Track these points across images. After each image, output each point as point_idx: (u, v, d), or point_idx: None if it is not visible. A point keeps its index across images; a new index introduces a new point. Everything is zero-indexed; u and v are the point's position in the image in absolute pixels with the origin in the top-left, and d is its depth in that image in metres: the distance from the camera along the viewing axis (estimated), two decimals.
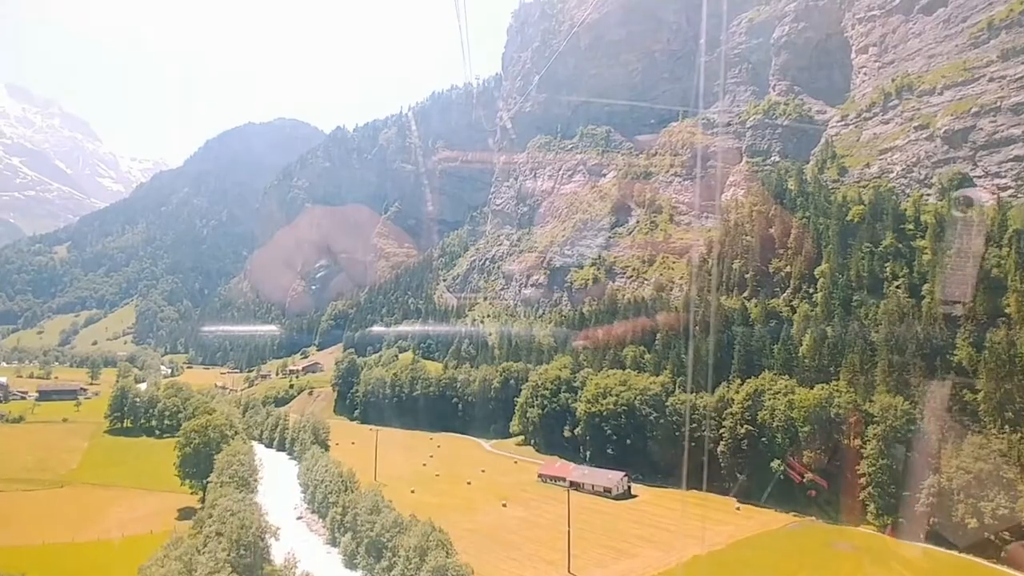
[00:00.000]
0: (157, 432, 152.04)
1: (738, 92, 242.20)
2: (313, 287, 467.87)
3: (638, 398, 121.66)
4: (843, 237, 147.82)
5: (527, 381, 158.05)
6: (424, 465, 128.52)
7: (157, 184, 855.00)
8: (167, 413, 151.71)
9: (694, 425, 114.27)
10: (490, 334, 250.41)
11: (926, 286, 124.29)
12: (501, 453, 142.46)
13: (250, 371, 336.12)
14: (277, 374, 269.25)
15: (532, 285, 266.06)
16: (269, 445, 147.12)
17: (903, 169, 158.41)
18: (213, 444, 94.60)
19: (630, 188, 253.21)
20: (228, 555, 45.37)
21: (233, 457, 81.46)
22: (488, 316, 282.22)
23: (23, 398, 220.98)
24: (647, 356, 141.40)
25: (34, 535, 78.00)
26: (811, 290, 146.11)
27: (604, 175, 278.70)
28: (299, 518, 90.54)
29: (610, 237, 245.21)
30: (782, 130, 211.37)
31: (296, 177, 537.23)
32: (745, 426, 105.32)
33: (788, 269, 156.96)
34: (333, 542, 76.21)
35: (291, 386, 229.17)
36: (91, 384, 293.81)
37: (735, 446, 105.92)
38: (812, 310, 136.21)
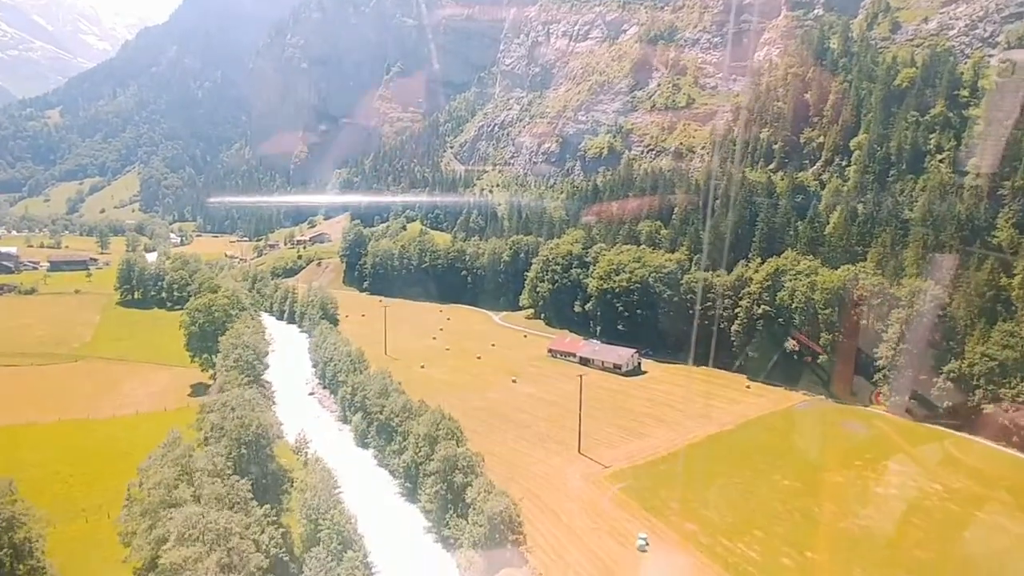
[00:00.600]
0: (168, 304, 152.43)
1: None
2: (316, 153, 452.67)
3: (652, 275, 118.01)
4: (887, 104, 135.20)
5: (537, 255, 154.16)
6: (434, 339, 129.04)
7: (143, 42, 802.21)
8: (175, 286, 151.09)
9: (708, 303, 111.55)
10: (499, 204, 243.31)
11: (972, 160, 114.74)
12: (511, 327, 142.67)
13: (259, 240, 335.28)
14: (285, 243, 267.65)
15: (543, 154, 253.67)
16: (280, 318, 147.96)
17: (967, 25, 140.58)
18: (218, 323, 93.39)
19: (652, 47, 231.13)
20: (230, 453, 44.23)
21: (238, 339, 79.94)
22: (497, 186, 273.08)
23: (35, 268, 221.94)
24: (663, 232, 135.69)
25: (51, 411, 79.17)
26: (844, 163, 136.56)
27: (624, 31, 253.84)
28: (311, 394, 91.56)
29: (628, 102, 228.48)
30: None
31: (289, 34, 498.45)
32: (762, 306, 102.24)
33: (821, 140, 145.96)
34: (344, 419, 76.69)
35: (299, 257, 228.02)
36: (101, 254, 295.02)
37: (750, 326, 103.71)
38: (843, 185, 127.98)
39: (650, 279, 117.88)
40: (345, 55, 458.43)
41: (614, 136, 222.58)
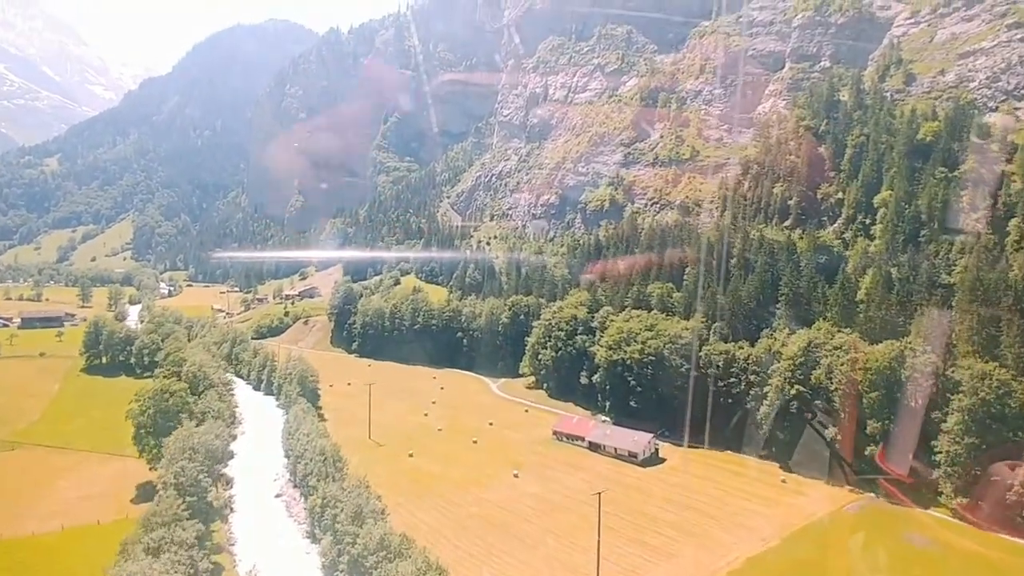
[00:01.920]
0: (137, 371, 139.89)
1: None
2: (312, 202, 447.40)
3: (667, 346, 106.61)
4: (911, 159, 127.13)
5: (539, 318, 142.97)
6: (425, 415, 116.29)
7: (147, 92, 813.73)
8: (145, 351, 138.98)
9: (731, 379, 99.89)
10: (497, 257, 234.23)
11: (1013, 220, 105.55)
12: (510, 398, 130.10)
13: (248, 291, 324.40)
14: (274, 298, 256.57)
15: (542, 206, 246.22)
16: (257, 387, 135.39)
17: (988, 77, 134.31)
18: (172, 414, 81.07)
19: (652, 99, 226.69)
20: None
21: (187, 442, 67.18)
22: (495, 238, 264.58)
23: (6, 325, 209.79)
24: (676, 295, 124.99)
25: None
26: (868, 221, 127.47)
27: (624, 82, 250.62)
28: (278, 495, 78.49)
29: (629, 154, 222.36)
30: (835, 30, 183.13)
31: (289, 84, 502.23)
32: (795, 386, 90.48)
33: (840, 196, 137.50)
34: (313, 536, 63.75)
35: (286, 313, 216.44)
36: (82, 307, 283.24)
37: (782, 408, 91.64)
38: (870, 245, 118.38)
39: (665, 350, 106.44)
40: (343, 105, 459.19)
41: (616, 189, 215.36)
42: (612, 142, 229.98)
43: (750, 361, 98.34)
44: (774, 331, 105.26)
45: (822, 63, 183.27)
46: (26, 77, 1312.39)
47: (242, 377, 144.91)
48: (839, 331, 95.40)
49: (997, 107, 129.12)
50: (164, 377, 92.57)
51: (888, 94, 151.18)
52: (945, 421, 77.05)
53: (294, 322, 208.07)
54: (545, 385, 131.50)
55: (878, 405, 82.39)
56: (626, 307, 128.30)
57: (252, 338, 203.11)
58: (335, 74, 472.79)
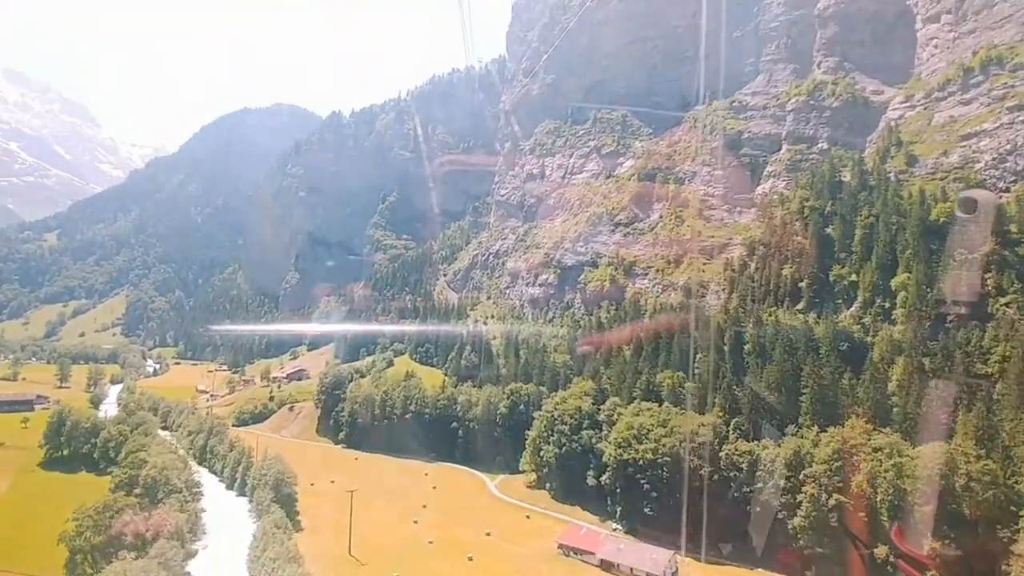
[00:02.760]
0: (101, 464, 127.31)
1: (775, 71, 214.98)
2: (308, 280, 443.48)
3: (683, 445, 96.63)
4: (926, 240, 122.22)
5: (540, 408, 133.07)
6: (415, 523, 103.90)
7: (152, 171, 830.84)
8: (111, 444, 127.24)
9: (758, 484, 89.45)
10: (495, 338, 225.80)
11: None
12: (510, 500, 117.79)
13: (235, 371, 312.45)
14: (261, 379, 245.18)
15: (540, 285, 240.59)
16: (230, 486, 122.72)
17: (994, 159, 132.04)
18: (114, 540, 69.69)
19: (651, 178, 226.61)
20: None
21: None
22: (492, 317, 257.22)
23: None
24: (688, 385, 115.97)
25: None
26: (887, 305, 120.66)
27: (621, 163, 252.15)
28: None
29: (628, 233, 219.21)
30: (831, 113, 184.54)
31: (291, 165, 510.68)
32: (833, 495, 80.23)
33: (854, 278, 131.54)
34: None
35: (271, 398, 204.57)
36: (59, 388, 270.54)
37: (820, 520, 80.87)
38: (891, 329, 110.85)
39: (680, 449, 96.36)
40: (343, 184, 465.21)
41: (616, 269, 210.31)
42: (611, 222, 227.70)
43: (777, 464, 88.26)
44: (800, 427, 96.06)
45: (819, 145, 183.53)
46: (38, 155, 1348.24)
47: (216, 474, 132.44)
48: (875, 430, 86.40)
49: (1008, 188, 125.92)
50: (117, 485, 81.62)
51: (892, 175, 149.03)
52: (1016, 541, 66.73)
53: (279, 408, 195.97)
54: (548, 485, 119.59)
55: (933, 519, 72.09)
56: (635, 398, 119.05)
57: (234, 425, 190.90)
58: (336, 155, 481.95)
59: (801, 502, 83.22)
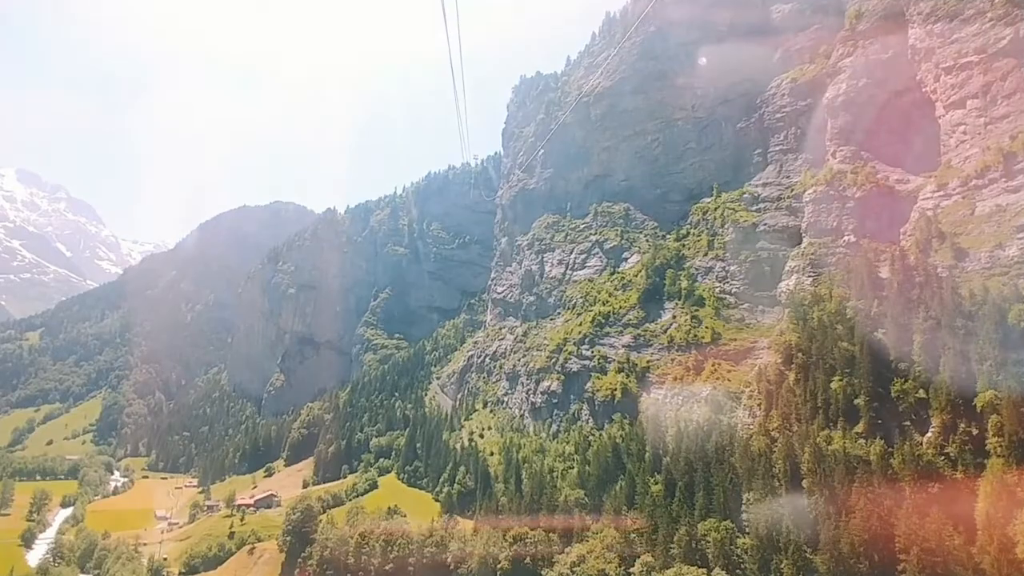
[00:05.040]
0: None
1: (786, 160, 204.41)
2: (293, 381, 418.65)
3: None
4: (1004, 349, 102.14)
5: (550, 563, 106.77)
6: None
7: (146, 267, 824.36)
8: None
9: None
10: (492, 454, 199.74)
11: None
12: None
13: (202, 491, 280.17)
14: (227, 505, 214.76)
15: (542, 393, 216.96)
16: None
17: None
18: None
19: (660, 275, 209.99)
20: None
21: None
22: (489, 429, 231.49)
23: None
24: (741, 542, 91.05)
25: None
26: (974, 430, 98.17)
27: (626, 259, 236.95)
28: None
29: (639, 335, 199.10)
30: (854, 204, 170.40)
31: (282, 261, 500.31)
32: None
33: (921, 394, 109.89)
34: None
35: (231, 535, 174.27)
36: None
37: None
38: (1003, 468, 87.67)
39: None
40: (333, 282, 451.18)
41: (627, 376, 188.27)
42: (618, 323, 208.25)
43: None
44: None
45: (846, 237, 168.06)
46: (37, 253, 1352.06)
47: None
48: None
49: None
50: None
51: (939, 271, 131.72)
52: None
53: (238, 548, 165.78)
54: None
55: None
56: (672, 556, 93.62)
57: (182, 573, 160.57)
58: (328, 251, 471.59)
59: None
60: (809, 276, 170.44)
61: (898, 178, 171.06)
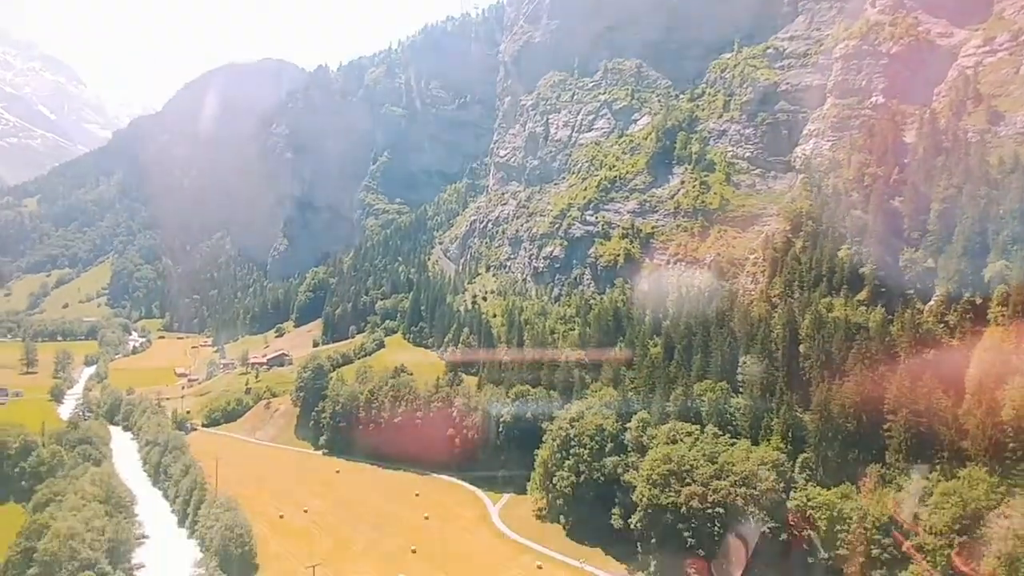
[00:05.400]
0: (36, 490, 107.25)
1: (818, 11, 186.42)
2: (296, 246, 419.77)
3: (740, 489, 75.87)
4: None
5: (550, 418, 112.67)
6: None
7: (135, 131, 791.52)
8: (43, 467, 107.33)
9: (840, 550, 69.08)
10: (494, 316, 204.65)
11: None
12: (516, 537, 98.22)
13: (217, 350, 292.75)
14: (241, 363, 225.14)
15: (545, 258, 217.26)
16: (182, 523, 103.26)
17: None
18: None
19: (671, 138, 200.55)
20: None
21: None
22: (492, 292, 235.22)
23: None
24: (735, 402, 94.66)
25: None
26: (977, 299, 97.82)
27: (635, 120, 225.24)
28: None
29: (645, 201, 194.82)
30: (888, 60, 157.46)
31: (275, 123, 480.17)
32: None
33: (930, 263, 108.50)
34: None
35: (247, 391, 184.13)
36: (25, 373, 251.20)
37: None
38: (1003, 337, 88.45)
39: (738, 498, 75.54)
40: (331, 144, 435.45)
41: (631, 242, 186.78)
42: (624, 188, 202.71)
43: (870, 524, 67.50)
44: (888, 467, 75.20)
45: (874, 99, 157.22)
46: (21, 115, 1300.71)
47: (168, 500, 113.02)
48: (1001, 481, 65.57)
49: None
50: (7, 564, 61.87)
51: (971, 136, 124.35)
52: None
53: (255, 403, 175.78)
54: (562, 519, 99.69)
55: None
56: (668, 414, 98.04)
57: (204, 425, 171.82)
58: (322, 112, 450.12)
59: None
60: (828, 140, 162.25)
61: (940, 31, 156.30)
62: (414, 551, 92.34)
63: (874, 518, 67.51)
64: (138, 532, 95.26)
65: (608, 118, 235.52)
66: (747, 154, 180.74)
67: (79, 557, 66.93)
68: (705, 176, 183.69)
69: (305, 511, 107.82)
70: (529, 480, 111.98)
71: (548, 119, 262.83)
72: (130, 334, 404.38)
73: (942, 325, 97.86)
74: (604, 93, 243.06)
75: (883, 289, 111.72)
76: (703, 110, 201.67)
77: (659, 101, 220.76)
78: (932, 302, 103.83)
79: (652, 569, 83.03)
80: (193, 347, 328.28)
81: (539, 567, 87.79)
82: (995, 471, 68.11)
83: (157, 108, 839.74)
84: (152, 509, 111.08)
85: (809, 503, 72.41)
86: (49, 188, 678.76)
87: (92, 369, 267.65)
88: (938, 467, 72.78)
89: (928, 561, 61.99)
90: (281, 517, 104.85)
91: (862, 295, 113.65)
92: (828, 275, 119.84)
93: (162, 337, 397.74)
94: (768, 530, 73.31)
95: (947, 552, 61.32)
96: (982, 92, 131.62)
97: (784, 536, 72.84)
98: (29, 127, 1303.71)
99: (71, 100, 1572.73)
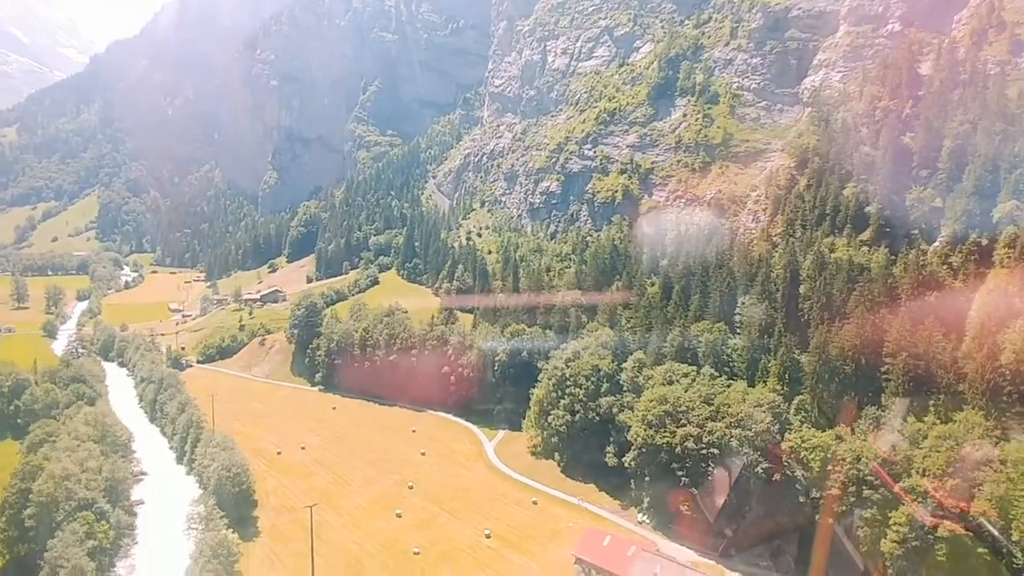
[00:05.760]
0: (29, 431, 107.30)
1: None
2: (286, 179, 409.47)
3: (735, 431, 76.17)
4: None
5: (545, 357, 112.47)
6: (399, 516, 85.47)
7: (113, 56, 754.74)
8: (38, 405, 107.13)
9: (832, 490, 69.95)
10: (490, 252, 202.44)
11: None
12: (512, 474, 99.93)
13: (210, 286, 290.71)
14: (234, 300, 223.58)
15: (542, 194, 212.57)
16: (180, 459, 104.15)
17: None
18: None
19: (674, 67, 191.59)
20: None
21: None
22: (487, 228, 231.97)
23: None
24: (733, 343, 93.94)
25: None
26: (983, 240, 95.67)
27: (637, 48, 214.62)
28: None
29: (645, 135, 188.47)
30: None
31: (260, 49, 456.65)
32: (945, 522, 60.69)
33: (938, 203, 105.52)
34: None
35: (241, 327, 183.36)
36: (17, 308, 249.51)
37: (921, 550, 61.97)
38: (1006, 278, 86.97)
39: (732, 438, 75.90)
40: (318, 72, 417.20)
41: (629, 177, 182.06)
42: (624, 121, 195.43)
43: (863, 461, 67.98)
44: (883, 410, 75.28)
45: (890, 26, 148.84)
46: None
47: (167, 437, 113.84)
48: (995, 424, 65.67)
49: None
50: (3, 504, 61.85)
51: (991, 67, 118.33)
52: None
53: (249, 339, 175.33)
54: (557, 456, 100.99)
55: None
56: (664, 355, 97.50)
57: (199, 361, 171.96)
58: (309, 38, 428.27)
59: (892, 520, 63.94)
60: (840, 71, 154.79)
61: None
62: (411, 487, 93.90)
63: (866, 459, 67.90)
64: (136, 469, 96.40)
65: (609, 45, 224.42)
66: (753, 85, 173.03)
67: (76, 497, 67.23)
68: (708, 108, 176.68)
69: (302, 448, 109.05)
70: (524, 417, 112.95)
71: (546, 46, 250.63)
72: (122, 269, 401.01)
73: (946, 267, 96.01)
74: (605, 18, 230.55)
75: (888, 229, 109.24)
76: (709, 37, 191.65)
77: (663, 27, 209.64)
78: (937, 243, 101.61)
79: (645, 504, 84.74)
80: (186, 282, 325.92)
81: (534, 503, 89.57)
82: (991, 415, 68.09)
83: (135, 31, 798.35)
84: (150, 445, 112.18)
85: (803, 444, 72.73)
86: (28, 117, 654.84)
87: (84, 304, 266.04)
88: (933, 410, 72.78)
89: (917, 502, 62.74)
90: (279, 453, 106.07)
91: (866, 235, 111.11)
92: (832, 214, 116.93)
93: (155, 272, 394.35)
94: (762, 471, 73.97)
95: (939, 494, 61.94)
96: (1006, 20, 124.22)
97: (776, 476, 73.60)
98: (3, 52, 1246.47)
99: (42, 22, 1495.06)
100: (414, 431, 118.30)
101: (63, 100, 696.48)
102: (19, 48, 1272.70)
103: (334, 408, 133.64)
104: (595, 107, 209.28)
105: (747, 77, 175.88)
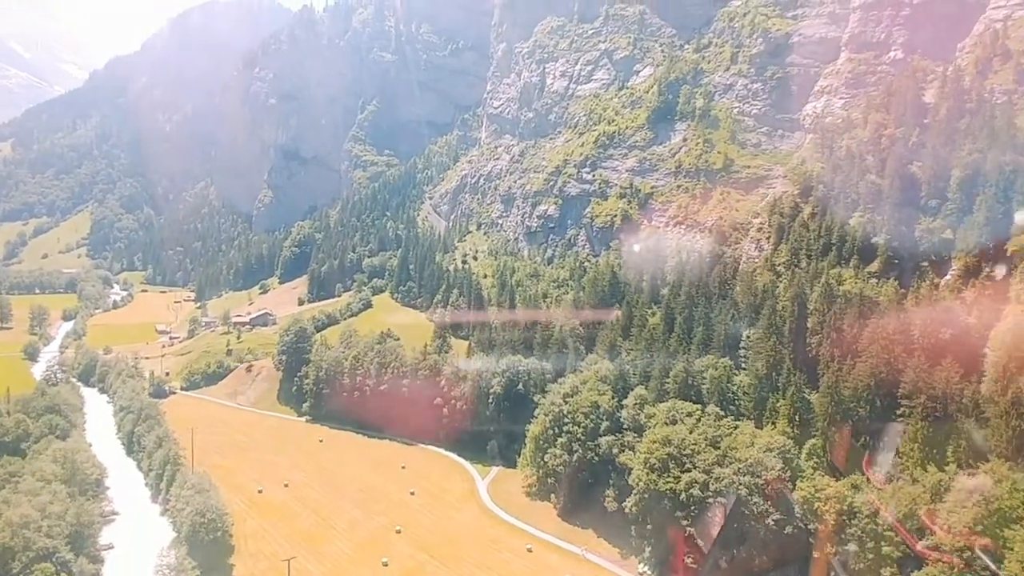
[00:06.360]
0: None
1: None
2: (282, 198, 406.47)
3: (743, 478, 71.50)
4: None
5: (542, 390, 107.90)
6: (385, 565, 79.99)
7: (113, 72, 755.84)
8: (8, 437, 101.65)
9: (851, 546, 65.19)
10: (485, 277, 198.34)
11: None
12: (505, 516, 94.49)
13: (199, 307, 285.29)
14: (223, 322, 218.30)
15: (539, 217, 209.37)
16: (155, 498, 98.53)
17: None
18: None
19: (673, 91, 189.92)
20: None
21: None
22: (483, 252, 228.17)
23: None
24: (739, 379, 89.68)
25: None
26: (995, 273, 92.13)
27: (636, 72, 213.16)
28: None
29: (645, 159, 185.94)
30: (911, 11, 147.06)
31: (258, 67, 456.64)
32: None
33: (948, 234, 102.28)
34: None
35: (228, 352, 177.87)
36: (0, 328, 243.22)
37: None
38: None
39: (740, 486, 71.20)
40: (316, 91, 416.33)
41: (629, 202, 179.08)
42: (623, 144, 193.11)
43: (881, 521, 63.41)
44: (902, 457, 70.89)
45: (893, 53, 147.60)
46: None
47: (143, 472, 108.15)
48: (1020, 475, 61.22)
49: None
50: None
51: (997, 96, 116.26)
52: None
53: (236, 365, 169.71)
54: (553, 497, 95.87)
55: None
56: (667, 391, 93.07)
57: (183, 388, 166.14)
58: (308, 57, 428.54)
59: None
60: (841, 98, 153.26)
61: None
62: (399, 531, 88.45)
63: (886, 514, 63.37)
64: (107, 509, 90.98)
65: (608, 68, 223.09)
66: (754, 111, 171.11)
67: (34, 547, 61.97)
68: (709, 133, 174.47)
69: (286, 485, 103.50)
70: (519, 454, 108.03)
71: (544, 68, 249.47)
72: (111, 287, 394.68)
73: (959, 301, 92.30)
74: (604, 41, 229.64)
75: (896, 261, 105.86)
76: (709, 62, 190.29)
77: (663, 51, 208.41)
78: (949, 276, 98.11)
79: (647, 554, 79.59)
80: (176, 302, 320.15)
81: (529, 550, 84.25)
82: (1017, 465, 63.81)
83: (135, 48, 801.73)
84: (125, 481, 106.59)
85: (816, 495, 68.16)
86: (24, 132, 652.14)
87: (70, 325, 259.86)
88: (953, 457, 68.53)
89: (944, 563, 58.05)
90: (260, 492, 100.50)
91: (874, 266, 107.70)
92: (838, 244, 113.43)
93: (145, 290, 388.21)
94: (776, 523, 69.15)
95: (967, 554, 57.32)
96: (1011, 48, 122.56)
97: (789, 529, 68.82)
98: (3, 65, 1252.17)
99: (45, 37, 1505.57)
100: (403, 467, 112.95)
101: (60, 115, 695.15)
102: (20, 63, 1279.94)
103: (321, 440, 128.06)
104: (594, 130, 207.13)
105: (748, 102, 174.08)
